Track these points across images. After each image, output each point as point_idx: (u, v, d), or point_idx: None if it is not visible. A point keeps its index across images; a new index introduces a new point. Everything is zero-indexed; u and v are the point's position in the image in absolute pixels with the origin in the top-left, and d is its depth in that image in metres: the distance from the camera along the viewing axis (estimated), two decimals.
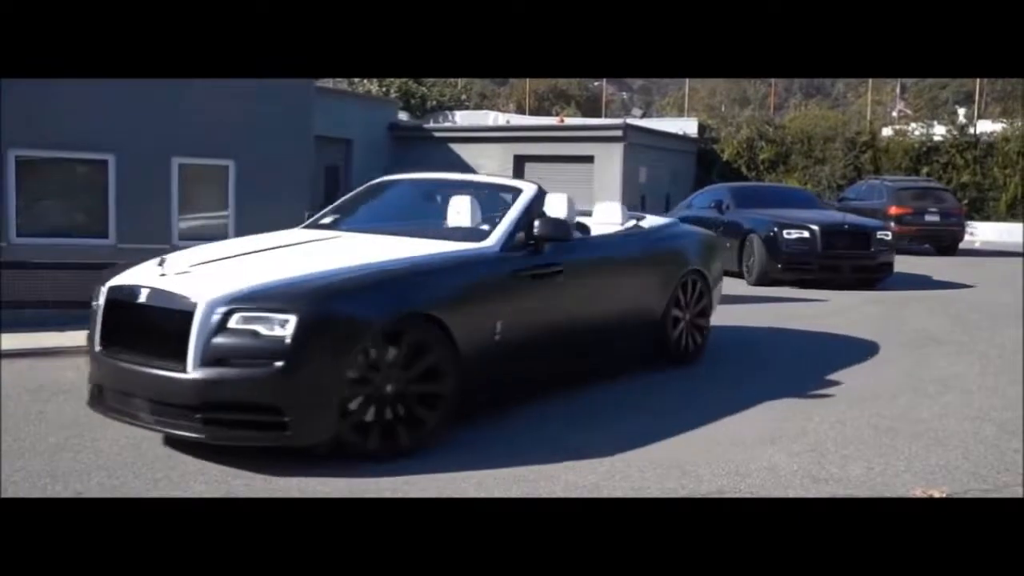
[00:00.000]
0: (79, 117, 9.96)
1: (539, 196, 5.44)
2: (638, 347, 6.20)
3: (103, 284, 4.47)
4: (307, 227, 5.69)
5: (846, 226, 11.85)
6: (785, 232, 11.60)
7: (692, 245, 6.75)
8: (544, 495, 3.78)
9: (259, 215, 8.15)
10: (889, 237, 11.87)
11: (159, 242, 9.21)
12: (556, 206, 5.66)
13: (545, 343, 5.18)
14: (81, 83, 9.14)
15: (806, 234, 11.53)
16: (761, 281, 11.67)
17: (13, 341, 6.50)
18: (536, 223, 5.10)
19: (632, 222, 6.46)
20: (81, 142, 10.14)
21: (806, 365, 6.67)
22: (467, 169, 23.89)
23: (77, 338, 5.71)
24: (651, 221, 6.71)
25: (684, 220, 13.78)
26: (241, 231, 8.94)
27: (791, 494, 3.84)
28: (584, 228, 5.99)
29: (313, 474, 3.95)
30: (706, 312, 6.66)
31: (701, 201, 13.98)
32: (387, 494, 3.74)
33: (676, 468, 4.16)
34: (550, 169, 23.45)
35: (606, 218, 6.43)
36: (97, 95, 9.70)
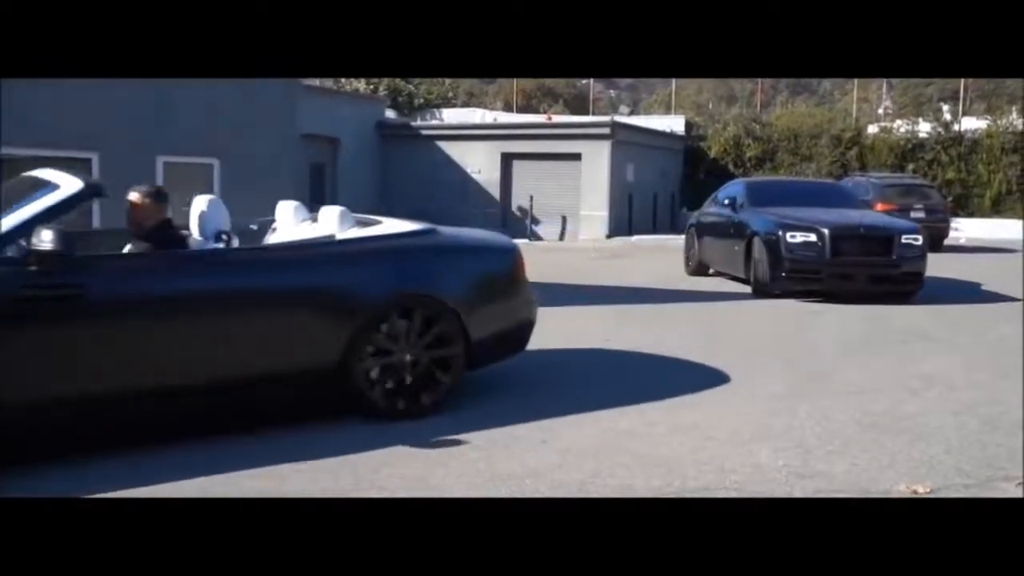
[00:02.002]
0: (62, 115, 9.89)
1: (77, 197, 4.22)
2: (298, 400, 4.83)
3: None
4: None
5: (862, 229, 10.16)
6: (789, 235, 9.94)
7: (425, 267, 5.04)
8: (531, 494, 3.78)
9: (244, 214, 8.11)
10: (919, 242, 10.04)
11: None
12: (198, 208, 4.90)
13: (39, 388, 3.97)
14: (64, 81, 9.07)
15: (812, 237, 9.85)
16: (763, 292, 10.17)
17: None
18: (39, 233, 3.92)
19: (351, 230, 5.25)
20: (64, 140, 10.05)
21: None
22: (456, 168, 23.93)
23: None
24: (375, 230, 5.28)
25: (705, 217, 12.82)
26: None
27: (776, 490, 3.86)
28: (225, 237, 4.98)
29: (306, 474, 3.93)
30: (449, 357, 4.98)
31: (723, 196, 12.41)
32: (374, 494, 3.74)
33: (662, 466, 4.17)
34: (538, 167, 23.51)
35: (327, 223, 5.33)
36: (80, 93, 9.64)
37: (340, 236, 5.17)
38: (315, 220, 5.63)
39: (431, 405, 4.92)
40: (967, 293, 11.01)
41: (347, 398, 4.77)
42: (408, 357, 4.84)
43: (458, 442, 4.51)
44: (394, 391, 4.82)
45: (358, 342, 4.69)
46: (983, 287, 11.49)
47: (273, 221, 5.99)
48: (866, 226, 10.29)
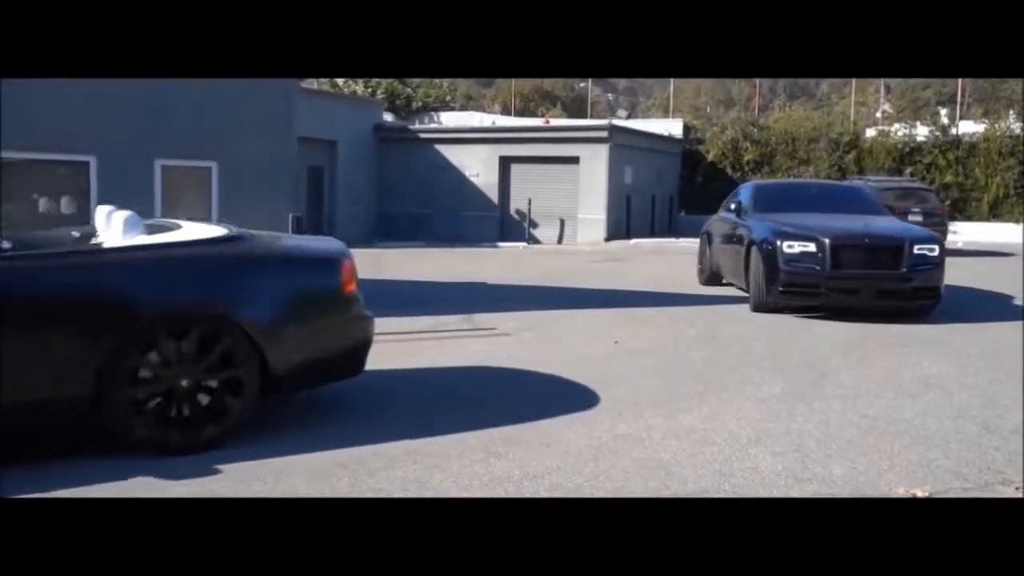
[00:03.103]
0: (60, 118, 9.89)
1: None
2: (48, 433, 4.22)
3: None
4: None
5: (867, 238, 9.01)
6: (786, 244, 8.95)
7: (214, 280, 4.46)
8: (528, 495, 3.78)
9: (242, 217, 8.11)
10: (934, 252, 8.92)
11: None
12: None
13: None
14: (61, 83, 9.07)
15: (811, 247, 8.84)
16: (759, 306, 9.24)
17: None
18: None
19: (137, 237, 4.56)
20: (62, 143, 10.06)
21: None
22: (453, 171, 23.93)
23: None
24: (161, 237, 4.68)
25: (715, 223, 11.72)
26: None
27: (775, 494, 3.85)
28: None
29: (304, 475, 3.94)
30: (238, 384, 4.38)
31: (733, 200, 11.35)
32: (371, 495, 3.74)
33: (660, 468, 4.17)
34: (536, 170, 23.51)
35: (113, 230, 4.70)
36: (78, 96, 9.64)
37: (119, 243, 4.52)
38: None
39: (214, 438, 4.30)
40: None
41: (105, 430, 4.17)
42: (184, 383, 4.22)
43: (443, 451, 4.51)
44: (167, 422, 4.21)
45: (116, 366, 4.07)
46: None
47: (95, 228, 5.30)
48: (872, 235, 9.12)
